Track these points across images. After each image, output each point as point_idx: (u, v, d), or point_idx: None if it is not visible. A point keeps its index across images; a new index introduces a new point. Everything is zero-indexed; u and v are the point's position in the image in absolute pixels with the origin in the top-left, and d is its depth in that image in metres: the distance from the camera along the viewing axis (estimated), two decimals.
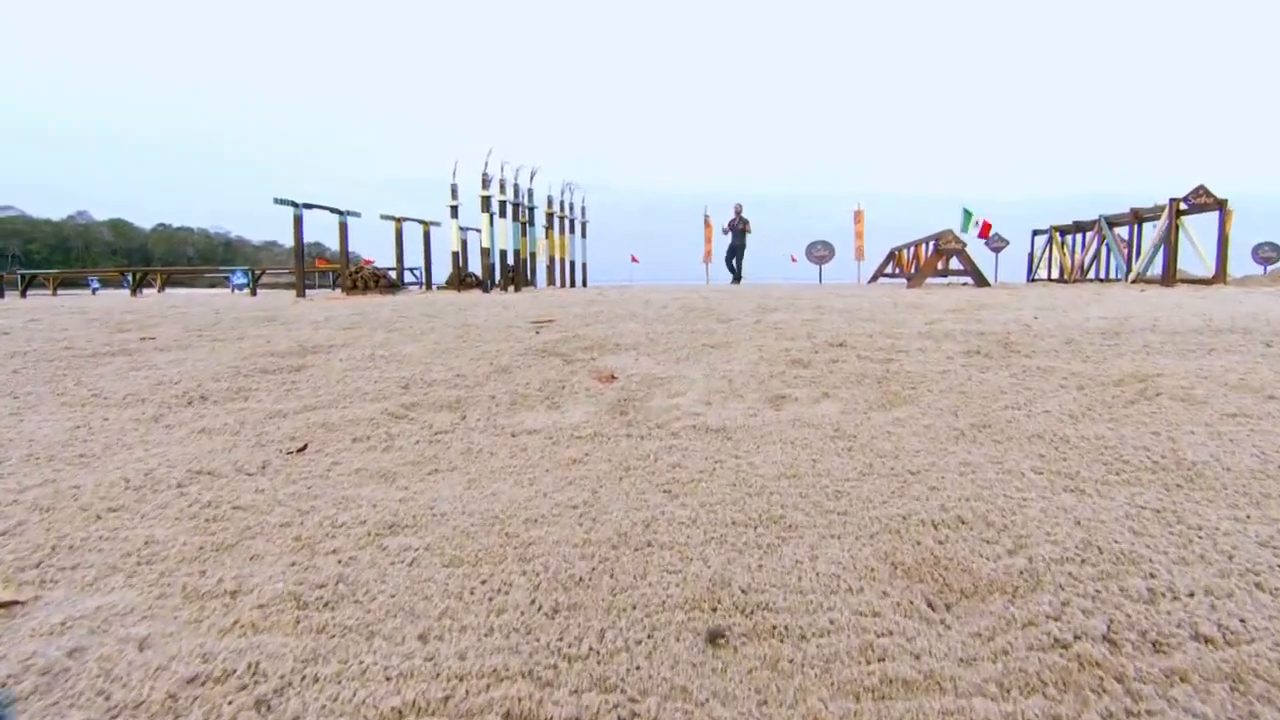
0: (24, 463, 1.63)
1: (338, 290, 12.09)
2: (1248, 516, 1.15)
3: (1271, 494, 1.25)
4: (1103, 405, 1.96)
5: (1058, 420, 1.81)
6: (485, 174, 10.85)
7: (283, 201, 10.11)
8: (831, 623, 0.87)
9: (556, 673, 0.79)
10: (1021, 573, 0.98)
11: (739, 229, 14.76)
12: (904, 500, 1.28)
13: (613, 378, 2.50)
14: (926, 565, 1.02)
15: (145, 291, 18.31)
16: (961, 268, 10.82)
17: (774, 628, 0.86)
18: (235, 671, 0.79)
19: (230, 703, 0.74)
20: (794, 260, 18.24)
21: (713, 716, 0.72)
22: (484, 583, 1.00)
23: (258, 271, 17.93)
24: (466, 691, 0.76)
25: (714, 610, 0.90)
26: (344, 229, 11.42)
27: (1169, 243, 10.01)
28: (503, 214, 11.29)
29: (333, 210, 11.32)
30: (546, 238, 13.34)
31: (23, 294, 17.22)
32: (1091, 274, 13.20)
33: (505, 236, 11.46)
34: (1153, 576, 0.94)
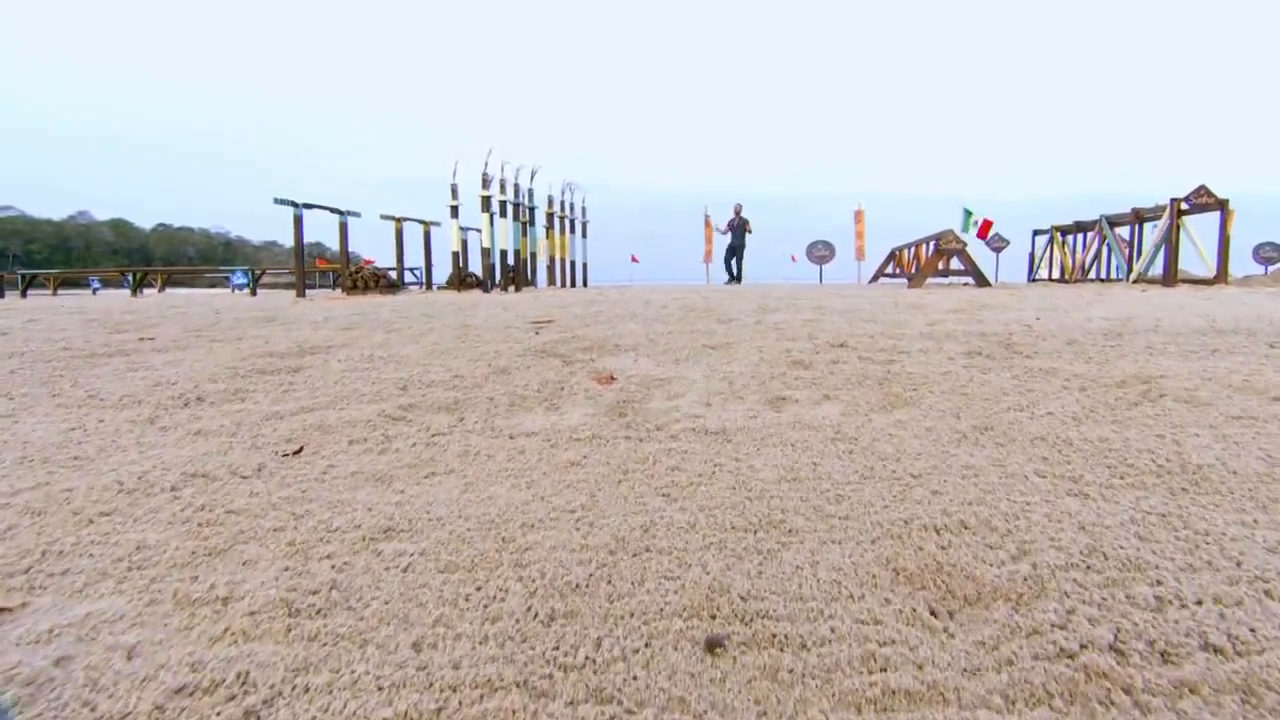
0: (17, 465, 1.62)
1: (338, 290, 12.08)
2: (1255, 521, 1.13)
3: (1279, 498, 1.23)
4: (1106, 407, 1.94)
5: (1061, 422, 1.79)
6: (485, 174, 10.83)
7: (283, 201, 10.10)
8: (832, 631, 0.85)
9: (552, 683, 0.77)
10: (1026, 579, 0.96)
11: (738, 229, 14.74)
12: (906, 504, 1.26)
13: (612, 379, 2.48)
14: (929, 571, 1.01)
15: (145, 292, 18.31)
16: (962, 268, 10.80)
17: (774, 636, 0.84)
18: (224, 681, 0.78)
19: (218, 714, 0.73)
20: (794, 260, 18.22)
21: None
22: (479, 589, 0.99)
23: (258, 272, 17.92)
24: (460, 703, 0.74)
25: (713, 618, 0.89)
26: (344, 229, 11.41)
27: (1170, 243, 9.98)
28: (503, 214, 11.27)
29: (333, 210, 11.31)
30: (547, 238, 13.33)
31: (23, 294, 17.22)
32: (1092, 274, 13.17)
33: (505, 236, 11.44)
34: (1159, 584, 0.92)
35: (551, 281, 13.50)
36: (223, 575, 1.04)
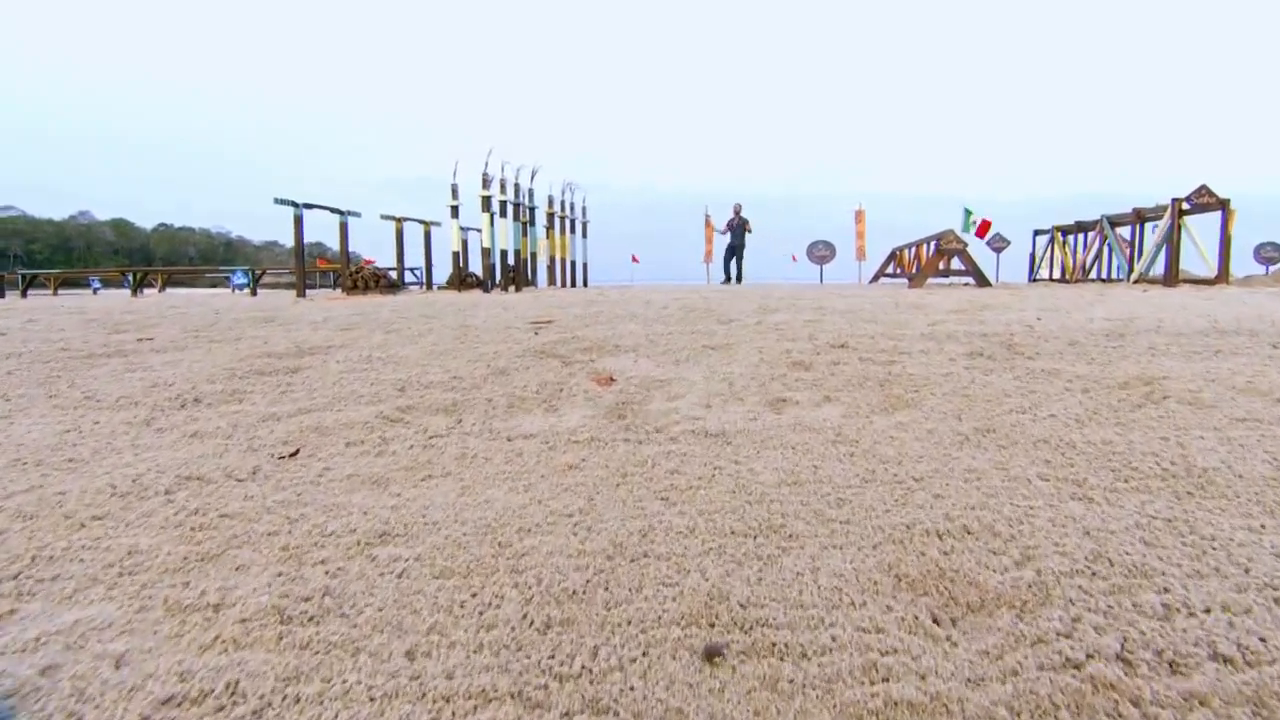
0: (10, 467, 1.60)
1: (338, 290, 12.07)
2: (1262, 526, 1.12)
3: None
4: (1109, 409, 1.92)
5: (1064, 425, 1.78)
6: (485, 174, 10.82)
7: (283, 201, 10.09)
8: (833, 640, 0.84)
9: (547, 693, 0.76)
10: (1030, 586, 0.95)
11: (738, 229, 14.71)
12: (907, 509, 1.25)
13: (611, 380, 2.46)
14: (931, 577, 0.99)
15: (146, 292, 18.31)
16: (963, 268, 10.78)
17: (773, 645, 0.83)
18: (213, 692, 0.76)
19: None
20: (794, 260, 18.20)
21: None
22: (474, 595, 0.97)
23: (258, 271, 17.91)
24: (453, 713, 0.72)
25: (711, 626, 0.87)
26: (344, 229, 11.40)
27: (1171, 243, 9.96)
28: (503, 214, 11.25)
29: (333, 210, 11.30)
30: (547, 238, 13.31)
31: (23, 294, 17.21)
32: (1093, 274, 13.15)
33: (506, 236, 11.43)
34: (1166, 591, 0.91)
35: (552, 282, 13.49)
36: (215, 581, 1.03)
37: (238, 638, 0.87)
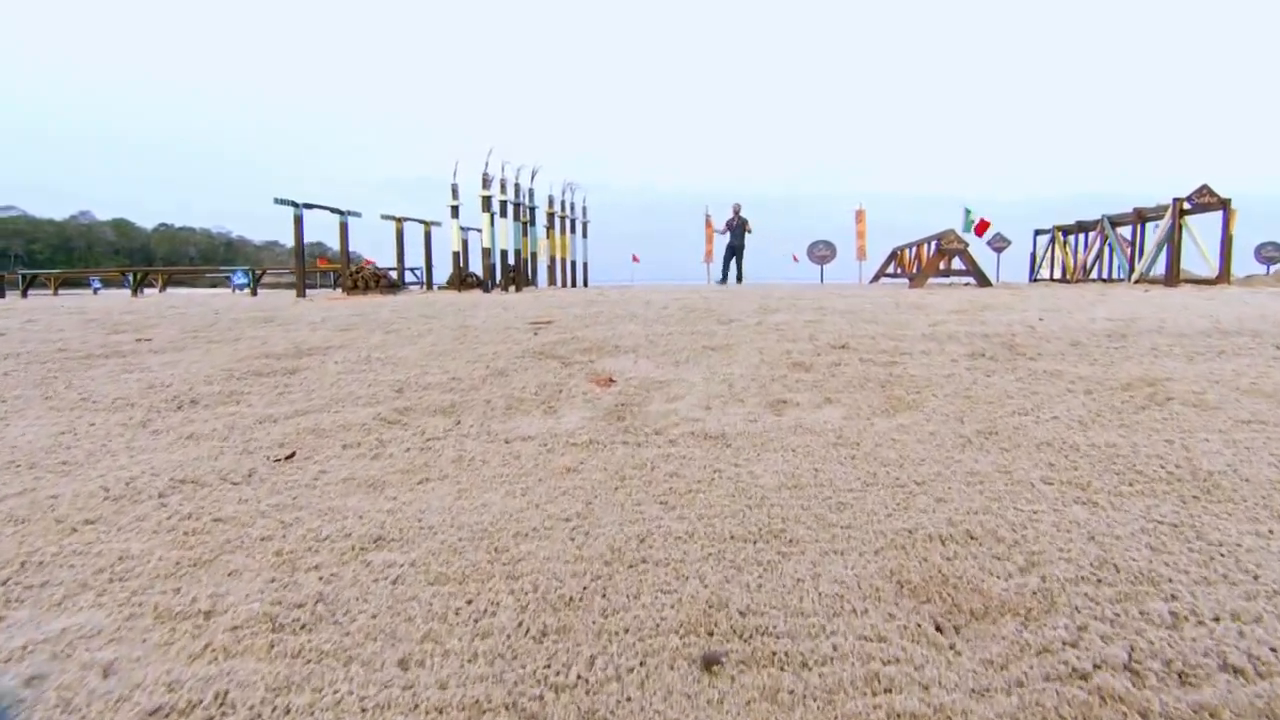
0: (4, 470, 1.59)
1: (338, 290, 12.06)
2: (1270, 532, 1.10)
3: None
4: (1112, 411, 1.91)
5: (1067, 427, 1.76)
6: (486, 174, 10.81)
7: (283, 201, 10.08)
8: (834, 649, 0.82)
9: (542, 704, 0.74)
10: (1035, 593, 0.93)
11: (737, 229, 14.69)
12: (909, 513, 1.23)
13: (611, 381, 2.45)
14: (934, 584, 0.97)
15: (146, 291, 18.30)
16: (964, 268, 10.76)
17: (773, 654, 0.81)
18: (201, 702, 0.75)
19: None
20: (795, 260, 18.18)
21: None
22: (470, 603, 0.95)
23: (258, 271, 17.90)
24: None
25: (710, 635, 0.86)
26: (344, 229, 11.39)
27: (1172, 242, 9.94)
28: (503, 214, 11.24)
29: (333, 210, 11.29)
30: (547, 237, 13.30)
31: (24, 294, 17.21)
32: (1094, 274, 13.13)
33: (506, 236, 11.41)
34: (1174, 598, 0.89)
35: (552, 281, 13.47)
36: (206, 587, 1.01)
37: (228, 646, 0.85)
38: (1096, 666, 0.76)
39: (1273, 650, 0.77)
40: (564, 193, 13.93)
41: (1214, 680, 0.73)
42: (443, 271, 12.29)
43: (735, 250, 14.79)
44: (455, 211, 11.11)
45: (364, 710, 0.74)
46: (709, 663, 0.80)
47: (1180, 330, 3.40)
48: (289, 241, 10.82)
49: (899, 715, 0.71)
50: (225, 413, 2.14)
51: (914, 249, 13.73)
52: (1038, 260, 15.82)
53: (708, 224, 16.65)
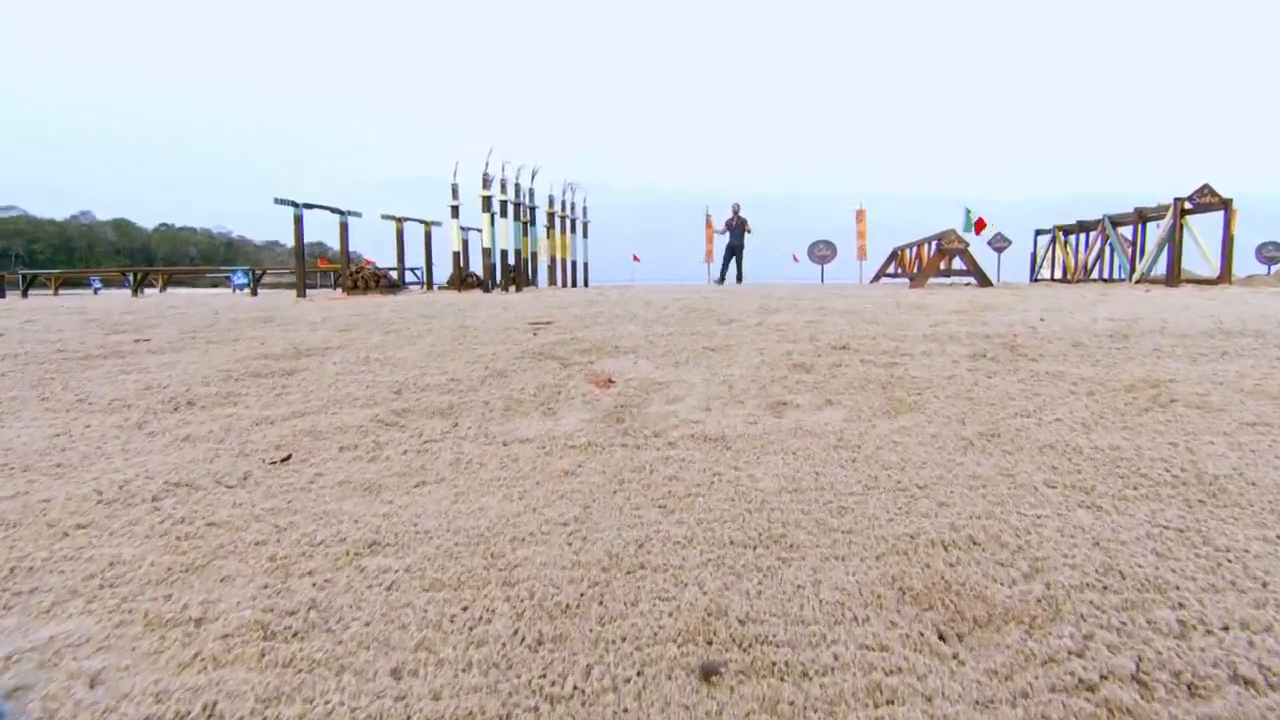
0: None
1: (338, 290, 12.04)
2: (1278, 537, 1.08)
3: None
4: (1115, 413, 1.89)
5: (1069, 429, 1.74)
6: (486, 174, 10.79)
7: (283, 201, 10.06)
8: (835, 658, 0.80)
9: (537, 715, 0.73)
10: (1039, 600, 0.91)
11: (737, 229, 14.67)
12: (911, 518, 1.22)
13: (610, 382, 2.43)
14: (937, 591, 0.96)
15: (147, 291, 18.29)
16: (964, 268, 10.74)
17: (773, 664, 0.80)
18: (189, 714, 0.73)
19: None
20: (795, 260, 18.17)
21: None
22: (465, 609, 0.94)
23: (259, 271, 17.88)
24: None
25: (709, 644, 0.84)
26: (344, 229, 11.38)
27: (1174, 242, 9.92)
28: (504, 214, 11.22)
29: (333, 210, 11.28)
30: (548, 237, 13.28)
31: (24, 294, 17.20)
32: (1095, 274, 13.11)
33: (506, 236, 11.40)
34: (1182, 606, 0.87)
35: (552, 281, 13.45)
36: (198, 594, 1.00)
37: (218, 655, 0.84)
38: (1103, 677, 0.74)
39: None
40: (564, 193, 13.92)
41: (1224, 692, 0.71)
42: (443, 271, 12.29)
43: (735, 250, 14.77)
44: (455, 211, 11.10)
45: None
46: (707, 673, 0.79)
47: (1183, 331, 3.38)
48: (289, 241, 10.81)
49: None
50: (222, 414, 2.13)
51: (914, 249, 13.72)
52: (1038, 260, 15.79)
53: (708, 224, 16.64)
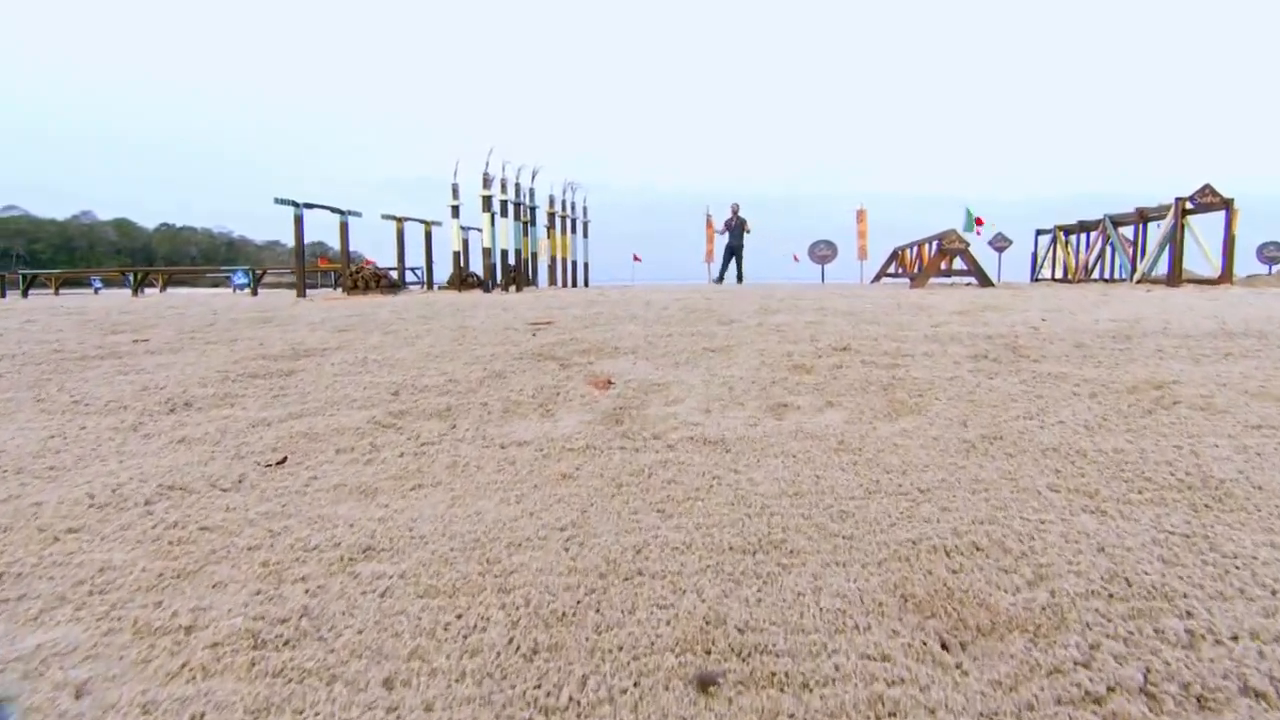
0: None
1: (338, 290, 12.03)
2: None
3: None
4: (1118, 415, 1.87)
5: (1073, 431, 1.73)
6: (486, 174, 10.77)
7: (283, 201, 10.05)
8: (836, 669, 0.79)
9: None
10: (1044, 609, 0.90)
11: (736, 229, 14.66)
12: (913, 523, 1.20)
13: (609, 383, 2.42)
14: (939, 598, 0.94)
15: (147, 291, 18.28)
16: (965, 268, 10.72)
17: (773, 674, 0.78)
18: None
19: None
20: (796, 260, 18.16)
21: None
22: (459, 617, 0.92)
23: (259, 271, 17.87)
24: None
25: (707, 653, 0.82)
26: (344, 229, 11.37)
27: (1175, 242, 9.90)
28: (504, 214, 11.21)
29: (333, 210, 11.27)
30: (548, 237, 13.26)
31: (24, 294, 17.19)
32: (1096, 274, 13.08)
33: (506, 236, 11.38)
34: (1190, 615, 0.86)
35: (553, 281, 13.44)
36: (189, 600, 0.98)
37: (207, 665, 0.82)
38: (1111, 689, 0.73)
39: None
40: (565, 192, 13.90)
41: (1235, 705, 0.70)
42: (443, 271, 12.27)
43: (734, 250, 14.76)
44: (456, 211, 11.08)
45: None
46: (704, 683, 0.77)
47: (1185, 332, 3.37)
48: (290, 241, 10.79)
49: None
50: (219, 416, 2.11)
51: (915, 249, 13.70)
52: (1039, 260, 15.77)
53: (708, 224, 16.63)
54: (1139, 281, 10.71)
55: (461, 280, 11.11)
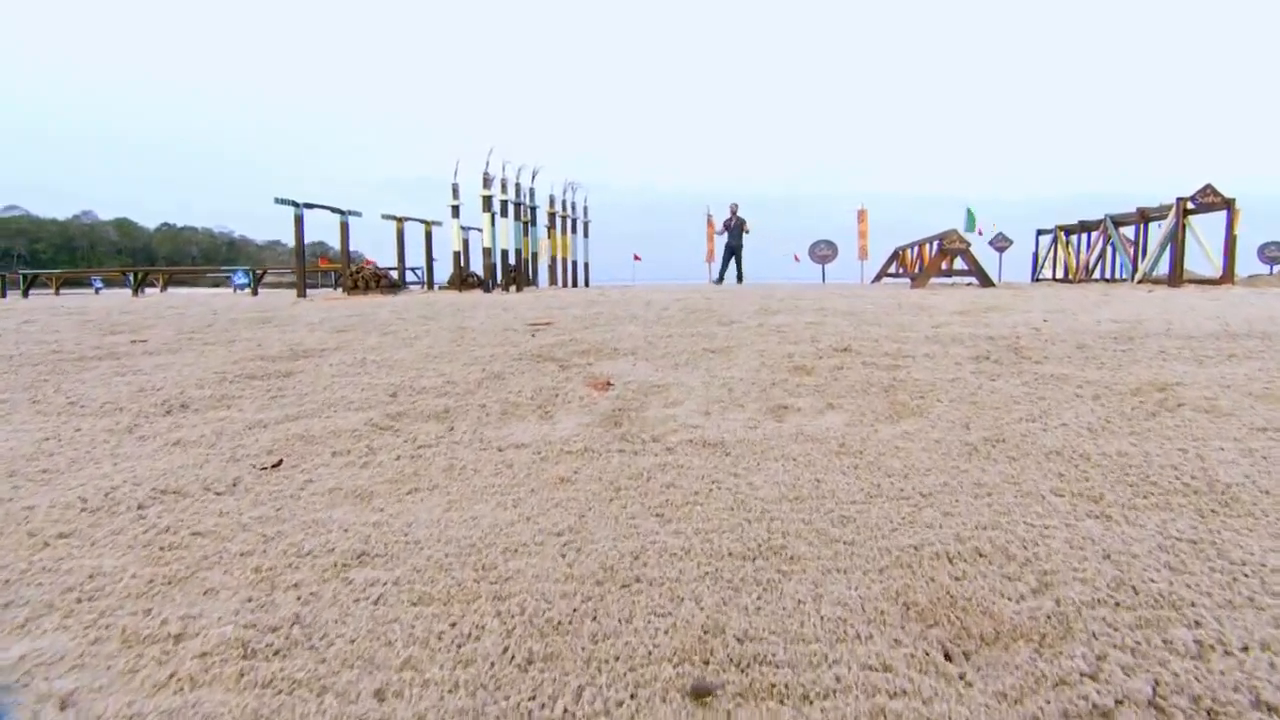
0: None
1: (338, 290, 12.02)
2: None
3: None
4: (1122, 417, 1.86)
5: (1076, 434, 1.71)
6: (486, 174, 10.76)
7: (283, 201, 10.04)
8: (837, 680, 0.77)
9: None
10: (1049, 617, 0.88)
11: (735, 229, 14.64)
12: (915, 528, 1.18)
13: (608, 385, 2.40)
14: (942, 606, 0.92)
15: (148, 291, 18.28)
16: (966, 268, 10.70)
17: (772, 686, 0.76)
18: None
19: None
20: (797, 260, 18.15)
21: None
22: (453, 625, 0.91)
23: (259, 271, 17.86)
24: None
25: (706, 663, 0.81)
26: (345, 229, 11.36)
27: (1176, 242, 9.87)
28: (504, 214, 11.19)
29: (334, 210, 11.26)
30: (548, 237, 13.24)
31: (24, 294, 17.19)
32: (1097, 274, 13.06)
33: (507, 236, 11.37)
34: (1198, 625, 0.84)
35: (553, 281, 13.42)
36: (179, 608, 0.96)
37: (195, 675, 0.80)
38: (1119, 702, 0.71)
39: None
40: (565, 192, 13.88)
41: (1246, 719, 0.68)
42: (444, 271, 12.25)
43: (733, 250, 14.74)
44: (456, 211, 11.06)
45: None
46: (699, 693, 0.75)
47: (1188, 332, 3.35)
48: (291, 241, 10.78)
49: None
50: (215, 418, 2.10)
51: (916, 249, 13.67)
52: (1040, 260, 15.75)
53: (709, 224, 16.61)
54: (1140, 281, 10.69)
55: (462, 280, 11.10)
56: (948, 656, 0.82)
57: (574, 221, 14.31)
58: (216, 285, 28.88)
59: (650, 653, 0.83)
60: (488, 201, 10.77)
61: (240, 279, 20.89)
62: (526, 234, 12.13)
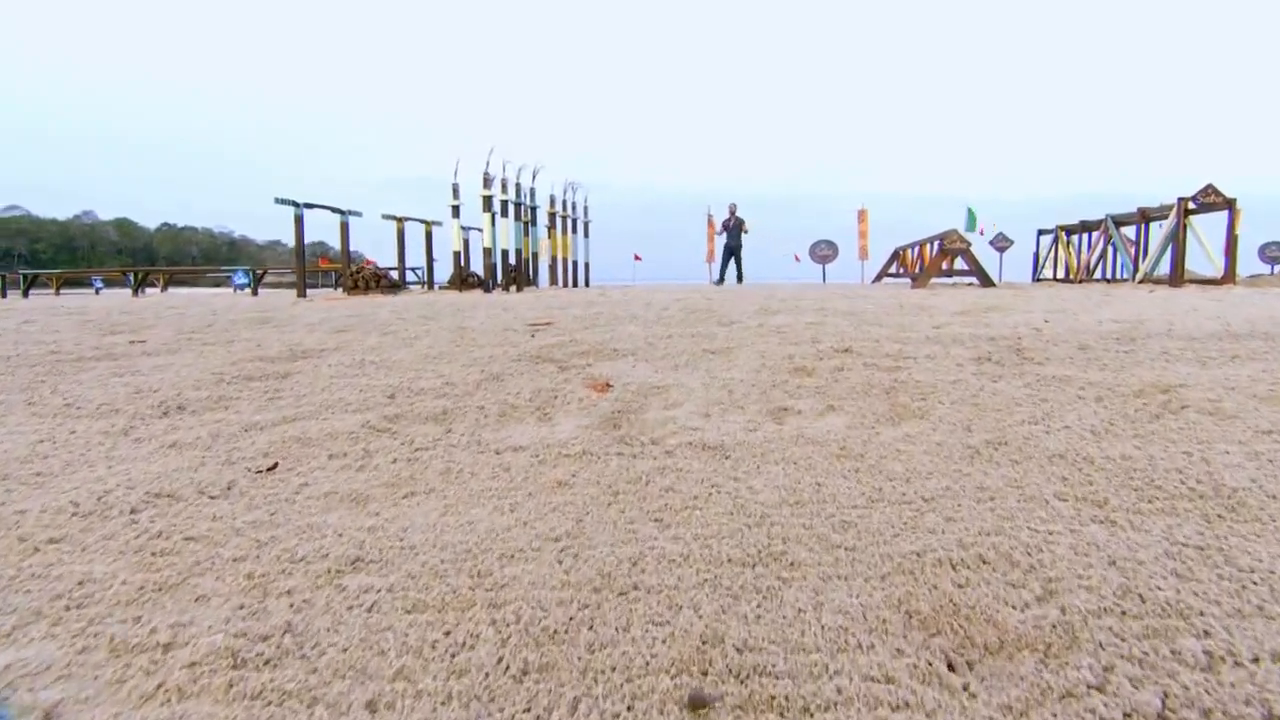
0: None
1: (338, 290, 12.01)
2: None
3: None
4: (1125, 420, 1.84)
5: (1079, 437, 1.69)
6: (487, 174, 10.75)
7: (283, 201, 10.03)
8: (839, 691, 0.76)
9: None
10: (1054, 626, 0.86)
11: (734, 229, 14.63)
12: (917, 533, 1.16)
13: (608, 386, 2.38)
14: (945, 614, 0.91)
15: (148, 291, 18.27)
16: (966, 268, 10.68)
17: (772, 698, 0.75)
18: None
19: None
20: (797, 260, 18.13)
21: None
22: (448, 634, 0.89)
23: (260, 271, 17.85)
24: None
25: (704, 674, 0.79)
26: (345, 229, 11.35)
27: (1177, 242, 9.85)
28: (504, 213, 11.18)
29: (334, 210, 11.25)
30: (549, 237, 13.23)
31: (25, 294, 17.18)
32: (1098, 274, 13.03)
33: (507, 236, 11.36)
34: (1207, 635, 0.82)
35: (554, 281, 13.41)
36: (169, 616, 0.95)
37: (183, 685, 0.79)
38: (1127, 715, 0.69)
39: None
40: (565, 192, 13.87)
41: None
42: (444, 271, 12.24)
43: (733, 250, 14.73)
44: (456, 211, 11.05)
45: None
46: (695, 704, 0.74)
47: (1190, 333, 3.33)
48: (291, 241, 10.77)
49: None
50: (211, 420, 2.08)
51: (916, 249, 13.65)
52: (1041, 260, 15.73)
53: (709, 224, 16.61)
54: (1141, 281, 10.66)
55: (462, 280, 11.09)
56: (951, 667, 0.80)
57: (574, 221, 14.30)
58: (217, 285, 28.87)
59: (648, 663, 0.81)
60: (488, 201, 10.76)
61: (240, 279, 20.89)
62: (527, 234, 12.13)
